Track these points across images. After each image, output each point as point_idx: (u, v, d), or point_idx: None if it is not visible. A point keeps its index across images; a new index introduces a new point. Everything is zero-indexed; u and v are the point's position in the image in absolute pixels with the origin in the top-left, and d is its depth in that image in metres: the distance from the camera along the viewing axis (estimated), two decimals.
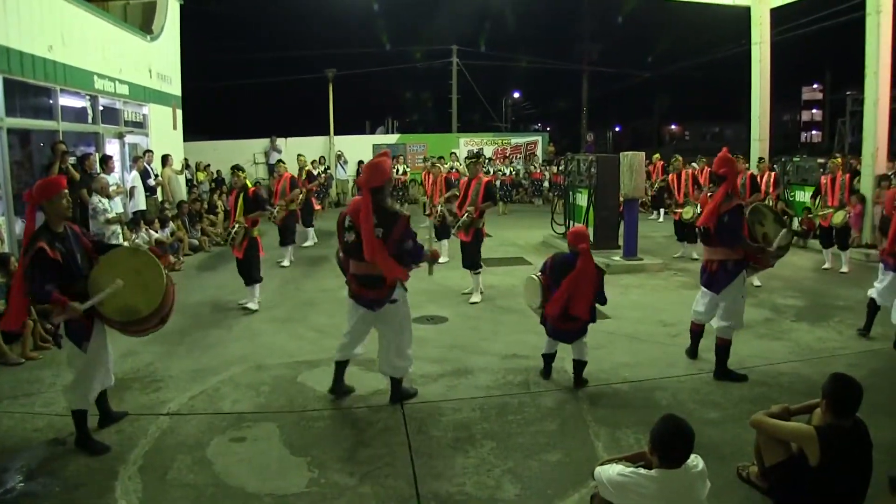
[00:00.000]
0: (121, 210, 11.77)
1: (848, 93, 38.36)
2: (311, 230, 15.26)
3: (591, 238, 12.84)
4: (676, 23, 36.01)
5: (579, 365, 6.44)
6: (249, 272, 9.45)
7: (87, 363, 5.24)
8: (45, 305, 5.49)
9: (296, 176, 13.98)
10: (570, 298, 6.08)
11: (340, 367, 6.22)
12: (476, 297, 9.87)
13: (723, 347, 6.67)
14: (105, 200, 10.90)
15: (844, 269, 11.82)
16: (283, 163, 14.10)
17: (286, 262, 12.67)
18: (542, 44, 46.20)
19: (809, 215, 14.40)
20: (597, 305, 6.37)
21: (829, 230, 12.15)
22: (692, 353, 7.26)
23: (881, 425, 4.69)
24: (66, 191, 5.27)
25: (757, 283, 10.25)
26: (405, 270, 5.83)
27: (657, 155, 19.93)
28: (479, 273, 9.99)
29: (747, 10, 18.72)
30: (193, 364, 7.17)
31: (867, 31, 14.09)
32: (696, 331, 7.20)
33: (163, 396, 6.27)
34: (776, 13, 18.85)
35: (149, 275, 5.23)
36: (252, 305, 9.41)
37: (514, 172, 25.39)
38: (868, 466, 3.87)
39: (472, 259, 9.96)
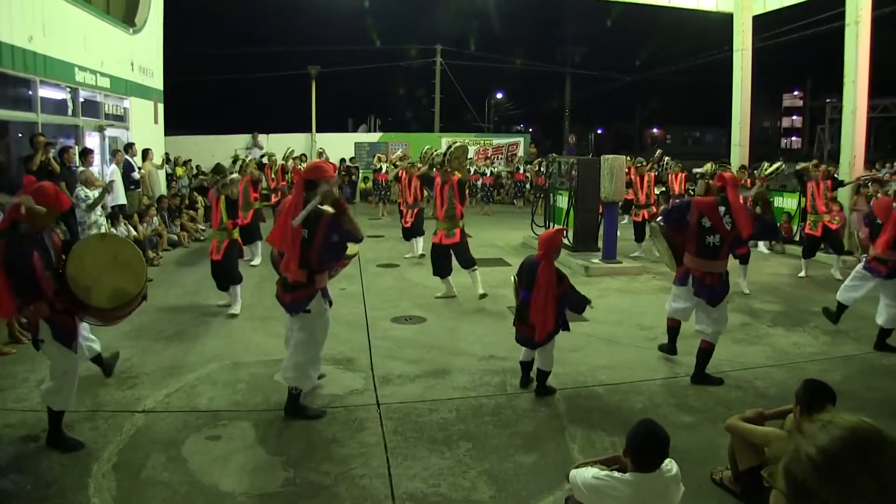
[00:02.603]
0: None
1: (828, 100, 38.82)
2: None
3: (571, 241, 13.00)
4: (660, 28, 36.27)
5: (541, 374, 6.34)
6: (230, 273, 9.26)
7: (75, 363, 5.23)
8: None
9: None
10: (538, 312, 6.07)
11: None
12: (481, 289, 9.87)
13: (706, 351, 6.70)
14: (88, 191, 10.82)
15: (839, 275, 11.42)
16: (255, 159, 13.91)
17: (256, 261, 12.41)
18: (527, 45, 46.30)
19: (789, 221, 14.59)
20: (569, 312, 6.34)
21: (815, 240, 12.00)
22: (671, 349, 7.33)
23: None
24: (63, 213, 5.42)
25: (746, 291, 10.37)
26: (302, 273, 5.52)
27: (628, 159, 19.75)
28: (476, 269, 10.02)
29: (730, 16, 18.88)
30: (170, 361, 7.12)
31: (846, 40, 14.25)
32: (675, 326, 7.30)
33: (138, 393, 6.22)
34: (758, 20, 19.02)
35: (126, 254, 5.32)
36: (235, 309, 9.15)
37: (494, 173, 25.25)
38: None
39: (464, 258, 10.00)
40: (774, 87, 55.02)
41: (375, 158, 23.62)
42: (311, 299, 5.58)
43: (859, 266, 8.03)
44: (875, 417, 4.55)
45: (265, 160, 17.10)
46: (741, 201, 6.63)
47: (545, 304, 6.04)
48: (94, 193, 10.81)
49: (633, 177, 14.79)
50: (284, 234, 5.45)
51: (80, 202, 10.65)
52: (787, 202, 15.24)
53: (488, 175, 23.60)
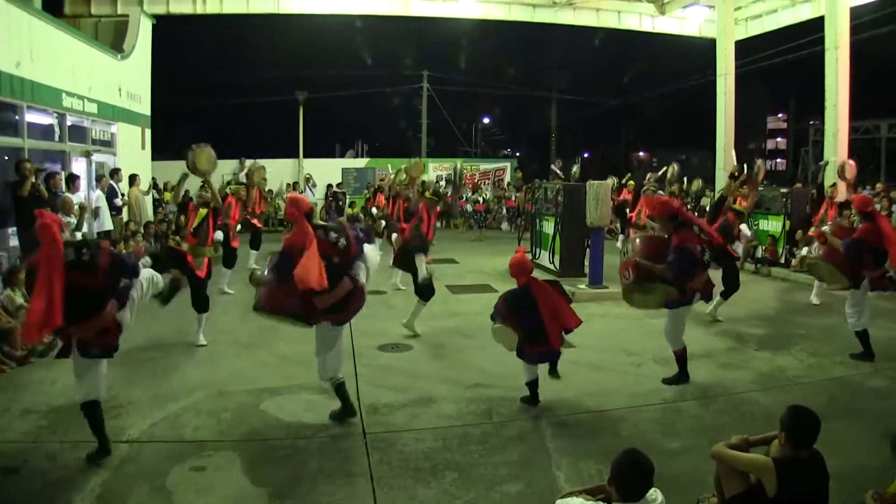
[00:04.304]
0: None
1: (811, 122, 39.18)
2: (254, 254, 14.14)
3: (557, 266, 13.05)
4: (645, 53, 36.68)
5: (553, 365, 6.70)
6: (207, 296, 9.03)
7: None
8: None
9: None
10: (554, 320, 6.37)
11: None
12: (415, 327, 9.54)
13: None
14: (67, 217, 10.80)
15: (815, 301, 11.46)
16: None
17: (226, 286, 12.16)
18: (513, 71, 46.74)
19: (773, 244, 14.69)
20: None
21: None
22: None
23: (839, 455, 4.75)
24: None
25: (720, 318, 10.30)
26: None
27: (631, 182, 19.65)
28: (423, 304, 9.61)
29: (713, 42, 19.16)
30: (154, 390, 7.06)
31: (826, 65, 14.49)
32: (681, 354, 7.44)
33: (122, 423, 6.15)
34: (741, 45, 19.30)
35: None
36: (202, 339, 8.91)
37: (484, 200, 25.13)
38: (824, 498, 3.92)
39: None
40: (759, 110, 55.63)
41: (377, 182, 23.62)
42: None
43: (857, 293, 8.14)
44: (861, 440, 4.59)
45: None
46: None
47: (555, 311, 6.40)
48: (73, 220, 10.79)
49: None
50: None
51: (63, 228, 10.60)
52: (772, 225, 15.34)
53: (480, 203, 23.69)
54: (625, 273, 7.18)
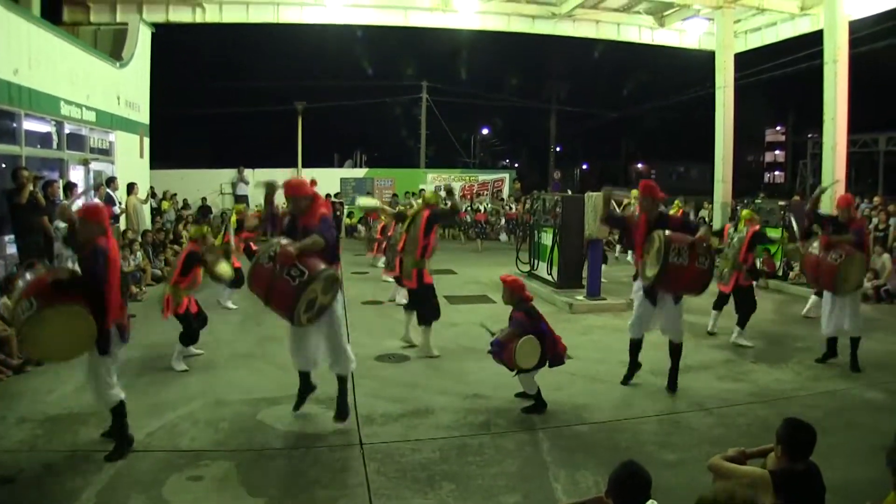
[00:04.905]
0: None
1: (809, 135, 39.34)
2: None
3: (555, 278, 13.07)
4: (644, 65, 36.81)
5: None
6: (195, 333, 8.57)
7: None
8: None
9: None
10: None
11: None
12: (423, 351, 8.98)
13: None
14: (64, 225, 10.81)
15: (813, 314, 11.13)
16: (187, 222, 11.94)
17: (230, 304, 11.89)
18: (512, 82, 46.89)
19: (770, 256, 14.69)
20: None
21: None
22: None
23: (836, 467, 4.74)
24: None
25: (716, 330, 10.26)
26: None
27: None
28: (428, 329, 9.01)
29: (712, 54, 19.22)
30: (152, 399, 7.03)
31: (825, 79, 14.54)
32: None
33: None
34: (740, 58, 19.37)
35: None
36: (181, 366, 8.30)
37: (485, 210, 25.20)
38: None
39: (421, 310, 8.99)
40: (758, 123, 55.85)
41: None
42: None
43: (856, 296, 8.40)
44: (858, 453, 4.58)
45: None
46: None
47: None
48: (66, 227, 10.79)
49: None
50: None
51: (58, 234, 10.63)
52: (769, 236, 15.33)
53: (481, 212, 23.72)
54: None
